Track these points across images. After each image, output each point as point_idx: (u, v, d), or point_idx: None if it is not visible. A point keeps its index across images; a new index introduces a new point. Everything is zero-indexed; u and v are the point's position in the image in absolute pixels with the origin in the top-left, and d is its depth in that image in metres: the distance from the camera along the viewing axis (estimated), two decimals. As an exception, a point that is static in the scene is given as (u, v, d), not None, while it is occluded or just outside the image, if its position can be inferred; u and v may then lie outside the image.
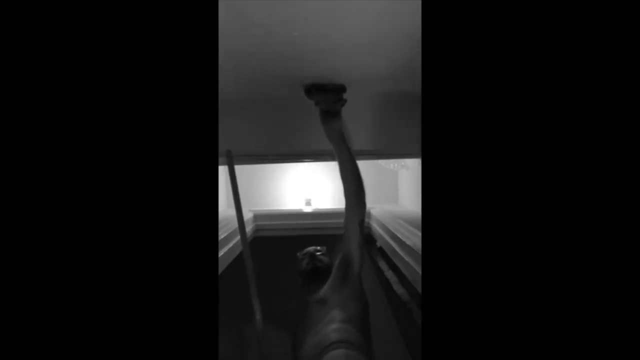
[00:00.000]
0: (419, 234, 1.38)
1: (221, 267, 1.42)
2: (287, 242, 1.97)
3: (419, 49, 0.53)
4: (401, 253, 1.43)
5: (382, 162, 2.39)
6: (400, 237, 1.47)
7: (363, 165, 2.59)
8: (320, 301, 1.09)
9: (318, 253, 1.28)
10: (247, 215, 2.13)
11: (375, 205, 2.37)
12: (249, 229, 2.03)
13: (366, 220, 2.18)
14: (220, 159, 1.51)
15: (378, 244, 1.98)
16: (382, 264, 1.89)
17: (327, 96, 1.18)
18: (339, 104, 1.18)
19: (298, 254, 1.30)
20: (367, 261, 2.15)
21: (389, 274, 1.80)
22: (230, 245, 1.59)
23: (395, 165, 2.36)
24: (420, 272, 1.18)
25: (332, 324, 0.97)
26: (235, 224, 1.80)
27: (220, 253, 1.43)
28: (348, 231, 1.11)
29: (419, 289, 1.24)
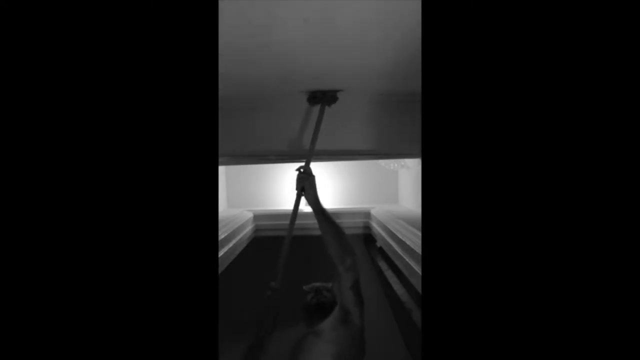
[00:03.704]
0: (419, 234, 1.38)
1: (221, 267, 1.42)
2: (287, 242, 1.97)
3: (419, 49, 0.53)
4: (401, 253, 1.43)
5: (382, 162, 2.39)
6: (400, 237, 1.47)
7: (363, 165, 2.59)
8: (316, 334, 1.14)
9: (323, 288, 1.31)
10: (247, 215, 2.13)
11: (375, 205, 2.37)
12: (248, 229, 2.02)
13: (366, 220, 2.19)
14: (221, 159, 1.51)
15: (378, 244, 1.97)
16: (382, 264, 1.89)
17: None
18: None
19: (304, 287, 1.33)
20: (367, 263, 2.15)
21: (389, 273, 1.80)
22: (231, 245, 1.59)
23: (395, 165, 2.36)
24: (420, 272, 1.18)
25: (325, 358, 1.03)
26: (235, 224, 1.81)
27: (220, 253, 1.43)
28: (343, 294, 1.14)
29: (419, 289, 1.24)
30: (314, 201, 1.19)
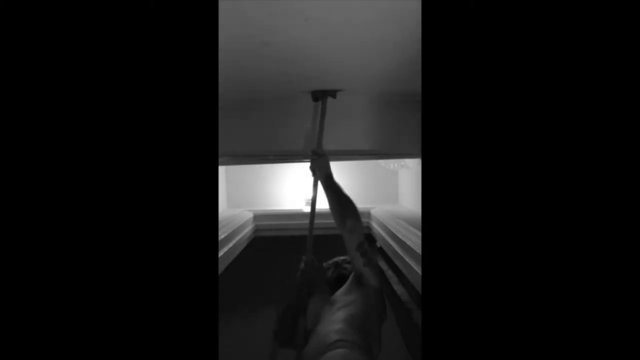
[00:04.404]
0: (419, 234, 1.38)
1: (221, 267, 1.42)
2: (287, 242, 1.97)
3: (419, 49, 0.53)
4: (401, 253, 1.43)
5: (382, 162, 2.39)
6: (400, 237, 1.47)
7: (363, 165, 2.59)
8: (331, 303, 1.15)
9: (343, 262, 1.34)
10: (247, 215, 2.12)
11: (375, 205, 2.37)
12: (248, 229, 2.02)
13: (366, 220, 2.18)
14: (221, 159, 1.51)
15: (378, 244, 1.97)
16: (382, 264, 1.89)
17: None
18: None
19: (324, 264, 1.37)
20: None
21: (389, 273, 1.80)
22: (230, 245, 1.59)
23: (395, 165, 2.36)
24: (420, 272, 1.18)
25: (334, 325, 1.00)
26: (235, 224, 1.81)
27: (220, 253, 1.43)
28: (351, 256, 1.17)
29: (419, 289, 1.24)
30: (324, 180, 1.23)
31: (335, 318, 1.03)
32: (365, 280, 1.13)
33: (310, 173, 1.30)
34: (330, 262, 1.35)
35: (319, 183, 1.26)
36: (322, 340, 0.96)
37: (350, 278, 1.19)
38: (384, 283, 1.80)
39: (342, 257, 1.34)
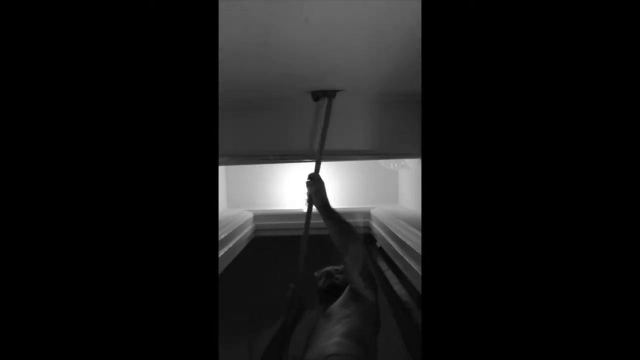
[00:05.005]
0: (419, 234, 1.38)
1: (221, 267, 1.42)
2: (287, 242, 1.97)
3: (419, 49, 0.53)
4: (401, 253, 1.42)
5: (382, 162, 2.39)
6: (400, 237, 1.47)
7: (363, 165, 2.59)
8: (327, 316, 1.14)
9: (335, 272, 1.33)
10: (247, 215, 2.12)
11: (375, 205, 2.37)
12: (248, 229, 2.02)
13: (366, 220, 2.18)
14: (221, 159, 1.51)
15: (378, 244, 1.97)
16: (382, 264, 1.89)
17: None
18: None
19: (316, 273, 1.36)
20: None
21: (389, 273, 1.80)
22: (230, 245, 1.59)
23: (395, 165, 2.35)
24: (420, 272, 1.18)
25: (332, 338, 1.00)
26: (235, 224, 1.81)
27: (220, 253, 1.43)
28: (353, 280, 1.16)
29: (419, 289, 1.24)
30: (320, 206, 1.24)
31: (333, 331, 1.03)
32: (363, 296, 1.13)
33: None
34: (322, 271, 1.33)
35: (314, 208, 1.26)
36: (320, 352, 0.97)
37: (346, 292, 1.18)
38: (384, 283, 1.80)
39: (334, 267, 1.33)
